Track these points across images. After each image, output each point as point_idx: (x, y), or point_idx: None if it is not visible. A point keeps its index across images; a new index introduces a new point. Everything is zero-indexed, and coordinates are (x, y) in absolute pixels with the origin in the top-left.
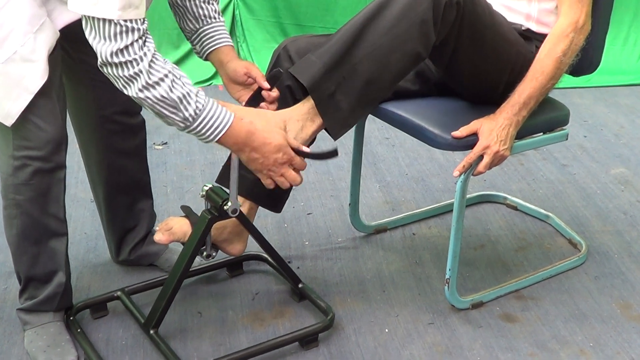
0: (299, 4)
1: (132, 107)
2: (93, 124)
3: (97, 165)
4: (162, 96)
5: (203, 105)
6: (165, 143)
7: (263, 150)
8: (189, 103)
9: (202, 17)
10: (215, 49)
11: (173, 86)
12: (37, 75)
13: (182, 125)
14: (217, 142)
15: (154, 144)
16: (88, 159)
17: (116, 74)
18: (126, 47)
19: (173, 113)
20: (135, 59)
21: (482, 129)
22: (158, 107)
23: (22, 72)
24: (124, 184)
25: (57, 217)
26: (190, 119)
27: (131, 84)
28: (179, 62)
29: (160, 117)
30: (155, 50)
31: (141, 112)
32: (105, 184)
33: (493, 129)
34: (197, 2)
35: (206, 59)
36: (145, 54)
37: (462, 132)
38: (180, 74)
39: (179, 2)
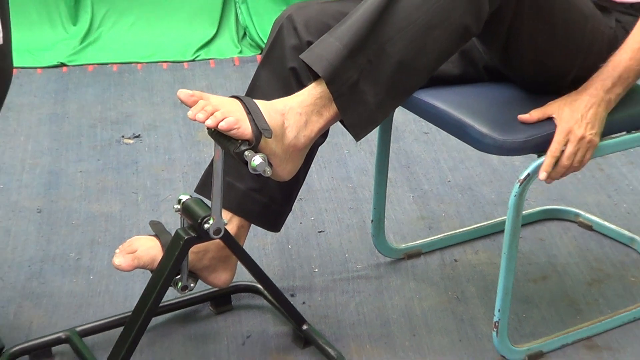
0: None
1: None
2: None
3: None
4: None
5: None
6: (138, 136)
7: None
8: None
9: None
10: None
11: None
12: None
13: None
14: None
15: (123, 137)
16: None
17: None
18: None
19: None
20: None
21: (560, 109)
22: None
23: None
24: None
25: None
26: None
27: None
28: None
29: None
30: None
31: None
32: None
33: (576, 109)
34: None
35: None
36: None
37: (532, 115)
38: None
39: None
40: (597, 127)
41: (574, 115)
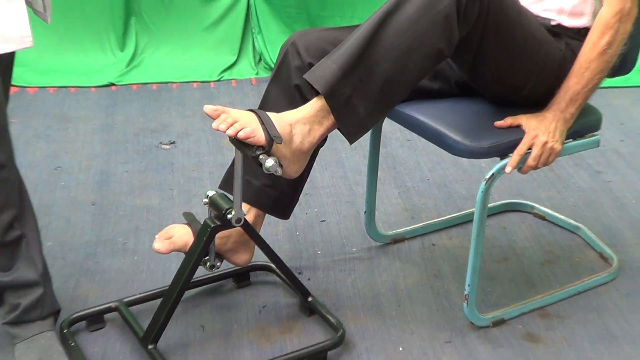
0: None
1: None
2: None
3: None
4: None
5: None
6: (173, 142)
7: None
8: None
9: None
10: None
11: None
12: None
13: None
14: None
15: (161, 143)
16: None
17: None
18: None
19: None
20: None
21: (529, 120)
22: None
23: None
24: None
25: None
26: None
27: None
28: (188, 55)
29: None
30: None
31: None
32: None
33: (540, 121)
34: None
35: None
36: None
37: (506, 121)
38: None
39: None
40: (558, 137)
41: (539, 125)
